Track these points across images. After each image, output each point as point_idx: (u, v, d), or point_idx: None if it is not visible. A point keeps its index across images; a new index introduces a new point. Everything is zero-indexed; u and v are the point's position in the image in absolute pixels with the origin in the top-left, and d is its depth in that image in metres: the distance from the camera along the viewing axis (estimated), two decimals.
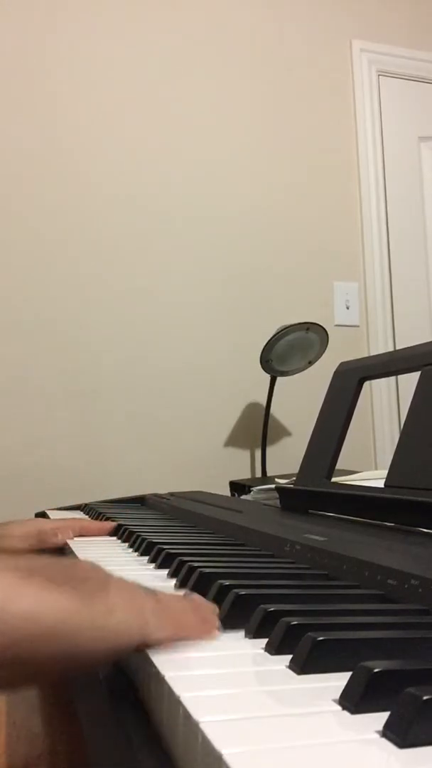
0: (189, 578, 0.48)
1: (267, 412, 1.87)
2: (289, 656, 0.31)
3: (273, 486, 1.03)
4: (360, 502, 0.73)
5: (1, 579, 0.32)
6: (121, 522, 0.83)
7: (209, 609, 0.40)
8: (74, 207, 1.91)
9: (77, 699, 0.41)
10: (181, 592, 0.47)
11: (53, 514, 1.08)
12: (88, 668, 0.36)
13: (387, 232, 2.22)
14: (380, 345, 2.13)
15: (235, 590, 0.41)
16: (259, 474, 1.89)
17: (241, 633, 0.36)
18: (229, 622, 0.38)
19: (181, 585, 0.48)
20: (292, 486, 0.89)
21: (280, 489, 0.91)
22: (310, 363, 1.86)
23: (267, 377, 1.85)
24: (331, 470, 0.82)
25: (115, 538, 0.78)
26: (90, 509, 1.09)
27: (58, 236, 1.89)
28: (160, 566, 0.56)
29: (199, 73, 2.09)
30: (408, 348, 0.80)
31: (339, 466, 0.83)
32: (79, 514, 1.10)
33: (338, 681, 0.27)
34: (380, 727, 0.23)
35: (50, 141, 1.92)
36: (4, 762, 0.42)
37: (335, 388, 0.88)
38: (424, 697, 0.22)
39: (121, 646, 0.34)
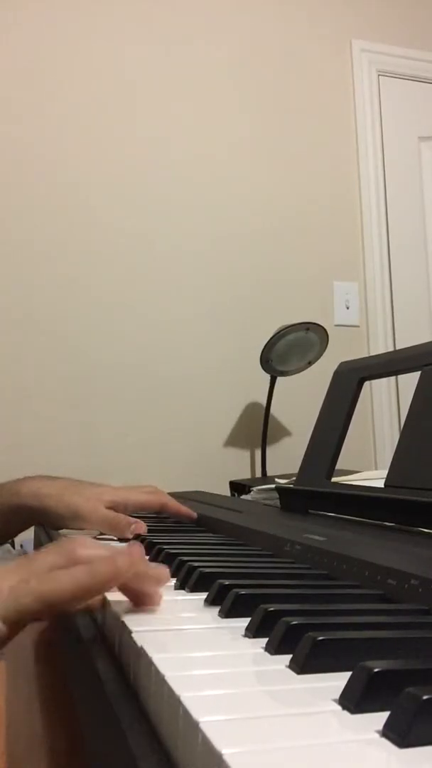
0: (189, 578, 0.48)
1: (267, 412, 1.87)
2: (289, 656, 0.31)
3: (273, 486, 1.03)
4: (360, 502, 0.73)
5: None
6: None
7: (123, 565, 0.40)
8: (74, 208, 1.91)
9: (77, 699, 0.41)
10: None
11: None
12: None
13: (387, 232, 2.22)
14: (380, 345, 2.13)
15: (235, 590, 0.41)
16: (259, 474, 1.89)
17: (241, 632, 0.36)
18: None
19: (180, 585, 0.48)
20: (292, 486, 0.89)
21: (280, 489, 0.91)
22: (310, 363, 1.86)
23: (267, 377, 1.85)
24: (331, 470, 0.82)
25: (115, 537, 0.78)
26: None
27: (57, 238, 1.89)
28: None
29: (199, 73, 2.09)
30: (408, 348, 0.80)
31: (339, 466, 0.83)
32: None
33: (338, 681, 0.27)
34: (380, 727, 0.23)
35: (49, 141, 1.92)
36: (3, 762, 0.42)
37: (335, 388, 0.88)
38: (424, 697, 0.22)
39: None
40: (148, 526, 0.81)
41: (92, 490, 0.81)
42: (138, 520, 0.75)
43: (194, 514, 0.87)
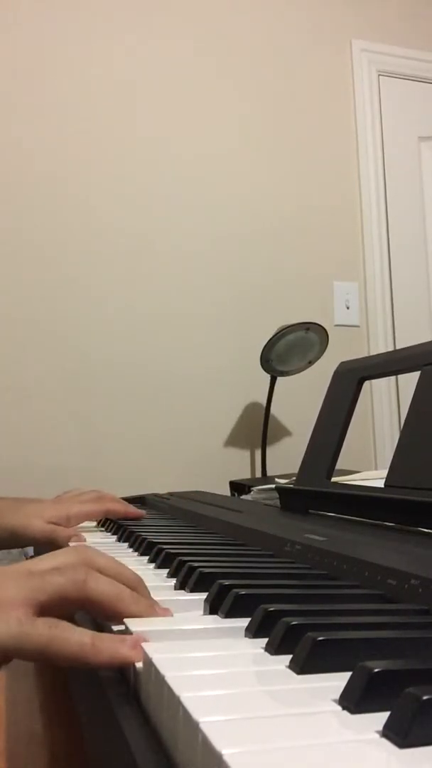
0: (189, 578, 0.48)
1: (267, 412, 1.87)
2: (289, 656, 0.31)
3: (273, 486, 1.03)
4: (360, 502, 0.73)
5: None
6: (121, 522, 0.83)
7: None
8: (74, 208, 1.91)
9: (77, 699, 0.41)
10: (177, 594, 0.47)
11: None
12: None
13: (387, 232, 2.22)
14: (380, 345, 2.13)
15: (235, 590, 0.41)
16: (259, 474, 1.89)
17: (241, 632, 0.36)
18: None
19: (181, 585, 0.48)
20: (292, 486, 0.89)
21: (280, 489, 0.91)
22: (310, 363, 1.86)
23: (267, 377, 1.86)
24: (331, 470, 0.82)
25: (115, 538, 0.78)
26: None
27: (57, 238, 1.89)
28: (160, 566, 0.56)
29: (199, 74, 2.09)
30: (408, 348, 0.79)
31: (339, 466, 0.83)
32: None
33: (338, 681, 0.27)
34: (380, 727, 0.23)
35: (49, 142, 1.92)
36: (4, 762, 0.41)
37: (335, 388, 0.88)
38: (424, 697, 0.22)
39: None
40: (148, 525, 0.81)
41: (30, 508, 0.80)
42: (78, 533, 0.75)
43: (143, 513, 0.87)
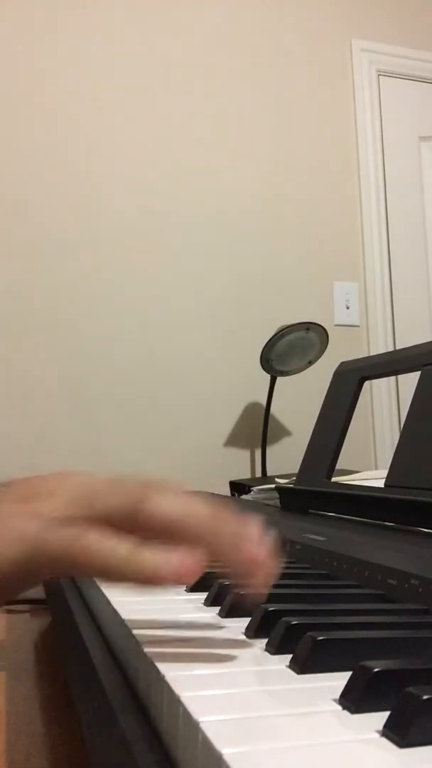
0: None
1: (267, 412, 1.87)
2: (289, 656, 0.31)
3: (273, 486, 1.03)
4: (360, 502, 0.73)
5: None
6: None
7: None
8: (76, 207, 1.91)
9: (77, 699, 0.41)
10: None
11: None
12: None
13: (387, 232, 2.22)
14: (380, 345, 2.13)
15: (235, 589, 0.41)
16: (259, 474, 1.89)
17: (241, 632, 0.36)
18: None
19: None
20: (292, 486, 0.89)
21: (280, 489, 0.91)
22: (310, 363, 1.86)
23: (267, 377, 1.85)
24: (331, 470, 0.82)
25: None
26: None
27: (59, 236, 1.89)
28: None
29: (199, 74, 2.09)
30: (408, 348, 0.79)
31: (339, 466, 0.83)
32: None
33: (338, 681, 0.27)
34: (380, 727, 0.23)
35: (52, 142, 1.92)
36: (4, 762, 0.41)
37: (335, 388, 0.88)
38: (424, 697, 0.22)
39: None
40: None
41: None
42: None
43: None
